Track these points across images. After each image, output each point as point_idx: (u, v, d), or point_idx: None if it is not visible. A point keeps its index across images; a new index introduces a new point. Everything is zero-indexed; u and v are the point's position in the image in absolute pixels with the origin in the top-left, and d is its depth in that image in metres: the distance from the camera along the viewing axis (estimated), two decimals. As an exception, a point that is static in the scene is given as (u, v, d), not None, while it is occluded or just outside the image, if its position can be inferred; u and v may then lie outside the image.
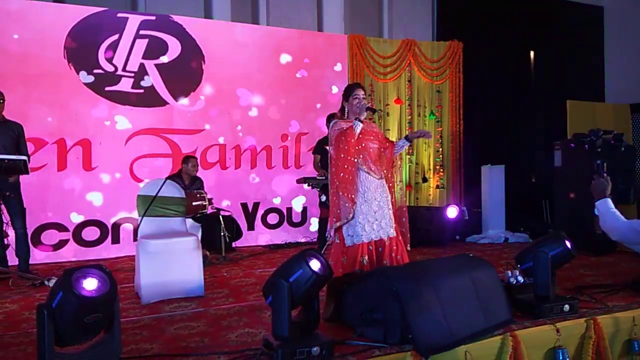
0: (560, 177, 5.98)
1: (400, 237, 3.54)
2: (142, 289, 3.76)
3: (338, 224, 3.39)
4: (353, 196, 3.35)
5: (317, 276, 2.51)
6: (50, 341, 2.06)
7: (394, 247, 3.45)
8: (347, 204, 3.36)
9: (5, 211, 4.61)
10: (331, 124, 3.57)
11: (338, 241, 3.45)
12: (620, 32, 8.81)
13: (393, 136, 7.51)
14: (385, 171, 3.60)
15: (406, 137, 3.75)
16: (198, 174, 5.85)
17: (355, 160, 3.41)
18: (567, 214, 5.80)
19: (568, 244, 3.26)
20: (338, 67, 7.18)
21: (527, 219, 7.23)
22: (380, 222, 3.43)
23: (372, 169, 3.47)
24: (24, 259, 4.68)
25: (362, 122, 3.44)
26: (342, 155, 3.39)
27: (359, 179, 3.43)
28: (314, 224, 6.78)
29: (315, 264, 2.54)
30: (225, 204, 6.41)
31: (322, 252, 5.34)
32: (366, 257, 3.35)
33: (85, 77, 5.83)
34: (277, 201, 6.83)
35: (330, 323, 3.06)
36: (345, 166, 3.38)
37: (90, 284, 2.12)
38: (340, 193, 3.37)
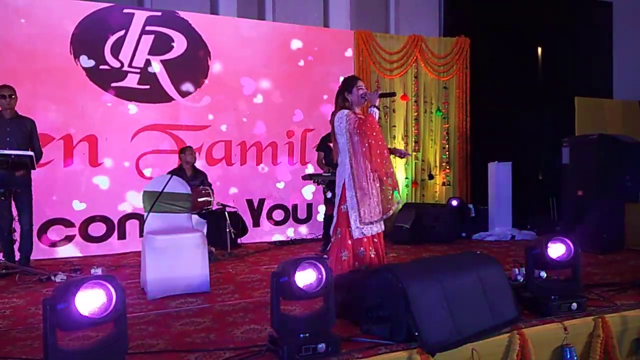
0: (568, 175, 5.93)
1: None
2: (148, 285, 3.76)
3: (391, 212, 3.35)
4: (396, 180, 3.35)
5: (301, 291, 2.45)
6: (53, 340, 2.05)
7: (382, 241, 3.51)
8: (390, 190, 3.32)
9: (14, 206, 4.64)
10: (340, 116, 3.43)
11: (340, 236, 3.41)
12: (629, 29, 8.72)
13: (399, 133, 7.49)
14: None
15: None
16: (204, 169, 5.86)
17: (386, 144, 3.38)
18: (574, 211, 5.75)
19: (556, 248, 3.14)
20: (344, 63, 7.14)
21: (534, 216, 7.19)
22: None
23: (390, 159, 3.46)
24: (26, 254, 4.72)
25: (379, 109, 3.43)
26: (373, 142, 3.29)
27: (363, 174, 3.39)
28: (319, 220, 6.77)
29: (302, 278, 2.47)
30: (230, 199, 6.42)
31: (328, 249, 5.35)
32: (372, 249, 3.36)
33: (91, 72, 5.84)
34: (282, 198, 6.82)
35: (336, 320, 3.05)
36: (378, 151, 3.30)
37: (93, 304, 2.09)
38: (385, 179, 3.31)
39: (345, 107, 3.50)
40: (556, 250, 3.15)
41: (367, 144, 3.33)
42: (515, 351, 2.71)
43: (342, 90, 3.54)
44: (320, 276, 2.53)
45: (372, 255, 3.35)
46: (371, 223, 3.36)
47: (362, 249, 3.34)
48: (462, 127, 7.82)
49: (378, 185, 3.37)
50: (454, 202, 6.90)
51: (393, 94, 3.91)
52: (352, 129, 3.38)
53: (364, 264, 3.34)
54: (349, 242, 3.36)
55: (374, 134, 3.33)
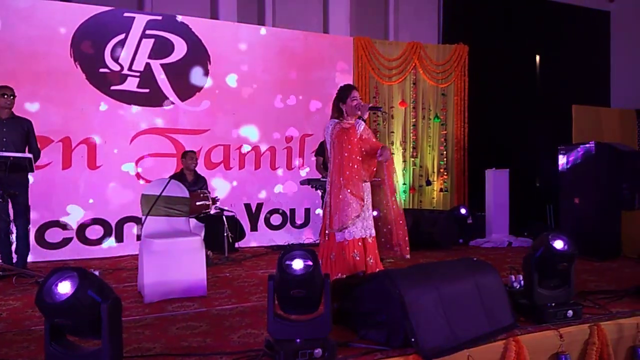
0: (565, 182, 5.95)
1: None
2: (145, 288, 3.77)
3: (349, 222, 3.42)
4: (362, 194, 3.42)
5: (295, 277, 2.44)
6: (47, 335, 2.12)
7: (375, 246, 3.59)
8: (355, 204, 3.41)
9: (11, 208, 4.64)
10: (329, 125, 3.60)
11: (327, 239, 3.51)
12: (627, 38, 8.79)
13: (397, 139, 7.52)
14: (369, 174, 3.63)
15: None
16: (202, 174, 5.87)
17: (360, 158, 3.44)
18: (571, 219, 5.78)
19: (558, 243, 3.12)
20: (343, 69, 7.18)
21: (531, 223, 7.21)
22: (368, 221, 3.55)
23: (362, 171, 3.54)
24: (22, 256, 4.71)
25: (365, 121, 3.50)
26: (347, 154, 3.42)
27: (337, 183, 3.48)
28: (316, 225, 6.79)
29: (297, 264, 2.48)
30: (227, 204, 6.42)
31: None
32: (357, 253, 3.43)
33: (91, 75, 5.86)
34: (280, 202, 6.83)
35: (333, 325, 3.06)
36: (351, 164, 3.41)
37: (62, 289, 2.13)
38: (349, 191, 3.40)
39: (338, 117, 3.60)
40: (558, 244, 3.13)
41: (340, 156, 3.43)
42: (511, 358, 2.71)
43: (337, 99, 3.63)
44: (307, 264, 2.50)
45: (357, 258, 3.42)
46: (345, 229, 3.42)
47: (344, 251, 3.41)
48: (460, 133, 7.85)
49: (349, 194, 3.44)
50: (462, 210, 6.69)
51: (379, 108, 4.07)
52: (334, 139, 3.51)
53: (349, 265, 3.40)
54: (335, 244, 3.45)
55: (349, 146, 3.41)
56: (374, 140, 3.66)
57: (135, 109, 6.06)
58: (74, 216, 5.78)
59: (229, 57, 6.53)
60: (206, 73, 6.41)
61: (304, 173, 6.87)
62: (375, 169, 3.63)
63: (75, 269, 2.20)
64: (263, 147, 6.73)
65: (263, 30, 6.79)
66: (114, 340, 2.22)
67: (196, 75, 6.36)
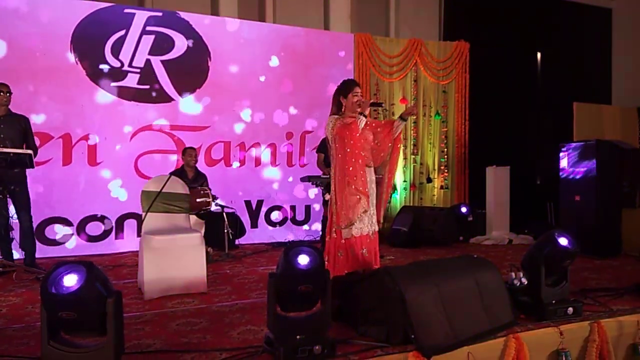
0: (566, 180, 5.94)
1: None
2: (145, 285, 3.77)
3: (356, 218, 3.40)
4: (367, 189, 3.41)
5: (301, 272, 2.44)
6: (45, 332, 2.11)
7: (377, 242, 3.57)
8: (362, 199, 3.39)
9: (10, 204, 4.63)
10: (328, 121, 3.57)
11: (335, 236, 3.48)
12: (628, 35, 8.76)
13: (398, 136, 7.50)
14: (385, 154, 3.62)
15: (400, 117, 3.61)
16: (203, 170, 5.86)
17: (363, 154, 3.44)
18: (572, 216, 5.77)
19: (563, 240, 3.11)
20: (344, 65, 7.16)
21: (532, 221, 7.20)
22: (373, 216, 3.54)
23: (369, 160, 3.53)
24: (30, 252, 4.67)
25: (366, 117, 3.47)
26: (349, 150, 3.40)
27: (342, 179, 3.47)
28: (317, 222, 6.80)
29: (303, 259, 2.48)
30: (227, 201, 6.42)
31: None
32: (365, 249, 3.41)
33: (91, 71, 5.85)
34: (280, 199, 6.83)
35: (332, 321, 3.06)
36: (354, 160, 3.39)
37: (69, 282, 2.13)
38: (354, 187, 3.39)
39: (338, 111, 3.58)
40: (563, 241, 3.12)
41: (343, 152, 3.41)
42: (510, 355, 2.72)
43: (339, 93, 3.59)
44: (314, 258, 2.52)
45: (365, 255, 3.41)
46: (351, 225, 3.40)
47: (353, 248, 3.40)
48: (461, 131, 7.84)
49: (354, 190, 3.43)
50: (463, 208, 6.79)
51: (381, 104, 4.06)
52: (335, 135, 3.48)
53: (358, 262, 3.39)
54: (342, 241, 3.44)
55: (352, 142, 3.39)
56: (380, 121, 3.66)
57: (135, 105, 6.05)
58: (75, 212, 5.77)
59: (229, 53, 6.52)
60: (206, 69, 6.40)
61: (304, 170, 6.85)
62: (389, 147, 3.57)
63: (82, 263, 2.20)
64: (263, 144, 6.72)
65: (263, 26, 6.77)
66: (117, 335, 2.23)
67: (196, 71, 6.35)
